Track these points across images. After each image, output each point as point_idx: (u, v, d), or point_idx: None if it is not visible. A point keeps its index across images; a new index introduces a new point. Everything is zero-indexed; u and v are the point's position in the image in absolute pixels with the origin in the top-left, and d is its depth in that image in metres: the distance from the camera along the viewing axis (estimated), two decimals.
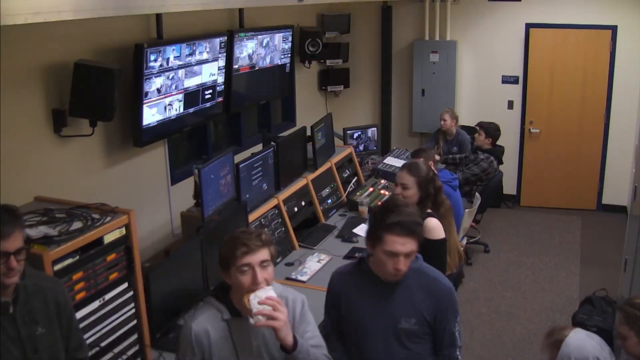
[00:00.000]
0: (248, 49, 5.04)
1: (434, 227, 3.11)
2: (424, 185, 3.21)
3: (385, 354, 2.34)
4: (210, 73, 4.53)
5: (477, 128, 5.97)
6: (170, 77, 4.03)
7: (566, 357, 2.27)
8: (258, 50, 5.20)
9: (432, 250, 2.98)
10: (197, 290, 3.24)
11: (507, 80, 7.11)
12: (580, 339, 2.30)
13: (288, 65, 5.79)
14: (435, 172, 3.30)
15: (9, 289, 1.85)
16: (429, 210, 3.20)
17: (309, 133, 4.66)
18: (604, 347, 2.30)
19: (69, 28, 3.26)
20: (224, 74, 4.73)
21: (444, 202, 3.31)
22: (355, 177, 5.22)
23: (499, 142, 6.03)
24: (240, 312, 2.08)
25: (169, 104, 4.10)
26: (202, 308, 2.15)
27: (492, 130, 5.89)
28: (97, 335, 2.48)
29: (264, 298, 1.97)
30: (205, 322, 2.08)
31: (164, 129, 4.12)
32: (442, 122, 6.23)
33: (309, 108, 6.85)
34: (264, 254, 2.03)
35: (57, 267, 2.25)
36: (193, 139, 5.10)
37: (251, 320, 1.97)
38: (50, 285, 2.03)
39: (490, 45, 7.08)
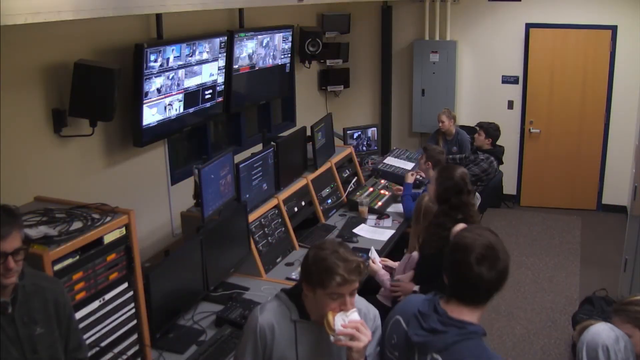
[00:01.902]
0: (248, 49, 5.04)
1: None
2: (445, 187, 3.14)
3: None
4: (210, 73, 4.53)
5: (477, 128, 5.97)
6: (170, 77, 4.03)
7: (581, 343, 2.33)
8: (258, 50, 5.20)
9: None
10: (197, 290, 3.24)
11: (507, 80, 7.11)
12: (600, 328, 2.35)
13: (288, 65, 5.80)
14: (470, 188, 3.20)
15: (8, 289, 1.85)
16: (460, 216, 3.12)
17: (309, 133, 4.66)
18: (620, 342, 2.31)
19: (69, 28, 3.26)
20: (224, 74, 4.73)
21: (475, 219, 3.16)
22: (355, 177, 5.22)
23: (498, 142, 6.02)
24: (309, 315, 2.05)
25: (169, 104, 4.10)
26: (271, 302, 2.12)
27: (492, 131, 5.89)
28: (97, 335, 2.48)
29: (348, 321, 1.94)
30: (273, 318, 2.05)
31: (164, 129, 4.12)
32: (440, 124, 6.23)
33: (309, 108, 6.85)
34: (357, 283, 1.98)
35: (57, 267, 2.25)
36: (193, 139, 5.10)
37: (332, 338, 1.94)
38: (50, 285, 2.03)
39: (490, 45, 7.08)
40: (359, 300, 2.17)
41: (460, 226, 3.00)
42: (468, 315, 1.85)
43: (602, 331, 2.33)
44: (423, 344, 1.83)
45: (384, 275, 3.51)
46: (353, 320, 1.95)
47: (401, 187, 4.94)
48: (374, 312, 2.18)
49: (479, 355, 1.81)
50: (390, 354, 1.98)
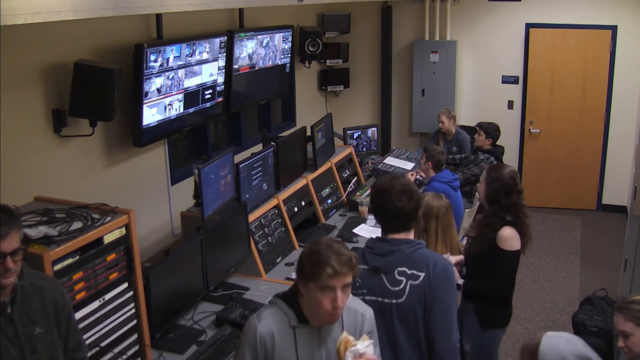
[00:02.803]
0: (248, 49, 5.04)
1: (506, 236, 3.04)
2: (494, 189, 3.11)
3: None
4: (210, 73, 4.53)
5: (477, 128, 5.96)
6: (170, 77, 4.03)
7: None
8: (258, 50, 5.20)
9: (500, 260, 3.02)
10: (197, 290, 3.24)
11: (507, 80, 7.11)
12: (551, 342, 2.26)
13: (288, 65, 5.80)
14: (520, 188, 3.18)
15: (7, 289, 1.85)
16: (509, 219, 3.10)
17: (309, 133, 4.66)
18: (576, 341, 2.29)
19: (69, 28, 3.27)
20: (224, 74, 4.73)
21: (525, 221, 3.15)
22: (355, 177, 5.22)
23: (499, 142, 6.02)
24: (307, 319, 2.04)
25: (169, 104, 4.10)
26: (268, 309, 2.09)
27: (492, 131, 5.88)
28: (97, 335, 2.48)
29: (360, 354, 1.91)
30: (272, 325, 2.02)
31: (164, 129, 4.12)
32: (440, 124, 6.23)
33: (309, 108, 6.86)
34: (349, 278, 1.97)
35: (57, 267, 2.25)
36: (193, 139, 5.10)
37: None
38: (49, 285, 2.02)
39: (490, 45, 7.08)
40: (355, 300, 2.17)
41: (507, 231, 3.04)
42: (404, 236, 2.33)
43: (556, 343, 2.19)
44: (386, 264, 2.29)
45: None
46: (365, 354, 1.92)
47: None
48: (370, 312, 2.18)
49: (434, 255, 2.35)
50: (358, 295, 2.26)
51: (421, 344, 2.32)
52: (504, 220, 3.08)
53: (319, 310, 1.98)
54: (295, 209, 4.28)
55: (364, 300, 2.24)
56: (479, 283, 3.16)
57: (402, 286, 2.28)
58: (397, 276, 2.29)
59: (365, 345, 1.93)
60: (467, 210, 5.10)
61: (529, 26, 6.86)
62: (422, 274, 2.26)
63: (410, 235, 2.36)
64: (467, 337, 3.25)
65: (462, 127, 6.65)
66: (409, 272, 2.27)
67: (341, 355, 1.92)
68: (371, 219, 4.61)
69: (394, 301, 2.29)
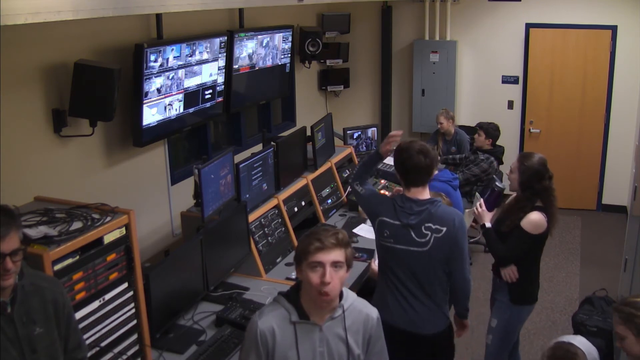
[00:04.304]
0: (248, 49, 5.04)
1: (531, 220, 3.24)
2: (528, 176, 3.27)
3: None
4: (210, 73, 4.53)
5: (477, 128, 5.97)
6: (170, 77, 4.04)
7: None
8: (258, 50, 5.20)
9: (515, 234, 3.24)
10: (197, 290, 3.24)
11: (507, 80, 7.11)
12: (587, 347, 2.33)
13: (288, 65, 5.80)
14: (550, 173, 3.36)
15: (7, 289, 1.84)
16: (539, 204, 3.29)
17: (309, 133, 4.66)
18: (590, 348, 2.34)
19: (69, 28, 3.27)
20: (224, 74, 4.73)
21: (554, 203, 3.36)
22: None
23: (498, 142, 6.02)
24: (308, 315, 2.05)
25: (169, 104, 4.10)
26: (270, 306, 2.12)
27: (491, 131, 5.89)
28: (97, 335, 2.47)
29: None
30: (272, 321, 2.05)
31: (164, 129, 4.12)
32: (439, 125, 6.23)
33: (309, 108, 6.86)
34: (337, 254, 1.99)
35: (57, 267, 2.25)
36: (193, 139, 5.10)
37: None
38: (49, 285, 2.02)
39: (490, 45, 7.08)
40: (359, 301, 2.17)
41: (535, 215, 3.24)
42: (424, 194, 2.87)
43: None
44: (416, 222, 2.81)
45: None
46: None
47: (401, 189, 4.96)
48: (375, 313, 2.18)
49: (453, 211, 2.89)
50: (386, 242, 2.86)
51: (432, 284, 2.87)
52: (534, 205, 3.28)
53: (312, 292, 2.00)
54: (295, 209, 4.28)
55: (391, 247, 2.83)
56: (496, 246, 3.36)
57: (427, 238, 2.81)
58: (423, 230, 2.81)
59: None
60: (466, 210, 5.10)
61: (529, 26, 6.86)
62: (445, 228, 2.79)
63: (427, 191, 2.88)
64: (496, 311, 3.46)
65: (462, 127, 6.66)
66: (433, 227, 2.81)
67: None
68: None
69: (418, 249, 2.82)
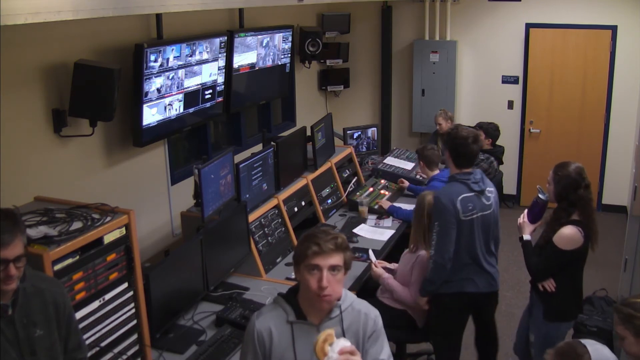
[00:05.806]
0: (251, 54, 5.03)
1: (562, 235, 3.11)
2: (563, 185, 3.15)
3: None
4: (210, 73, 4.53)
5: (477, 128, 5.96)
6: (170, 77, 4.03)
7: None
8: (258, 50, 5.20)
9: (546, 250, 3.18)
10: (197, 290, 3.24)
11: (507, 80, 7.11)
12: (597, 352, 2.32)
13: (288, 65, 5.80)
14: (587, 182, 3.24)
15: (9, 292, 1.84)
16: (575, 218, 3.15)
17: (309, 133, 4.66)
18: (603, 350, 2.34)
19: (69, 28, 3.27)
20: (224, 74, 4.73)
21: (592, 216, 3.20)
22: (355, 177, 5.22)
23: (498, 142, 6.02)
24: (305, 315, 2.06)
25: (169, 104, 4.10)
26: (269, 306, 2.14)
27: (491, 131, 5.89)
28: (97, 335, 2.48)
29: (338, 351, 1.86)
30: (270, 322, 2.06)
31: (164, 129, 4.12)
32: (437, 126, 6.23)
33: (309, 108, 6.86)
34: (336, 259, 1.98)
35: (57, 267, 2.25)
36: (193, 139, 5.10)
37: None
38: (49, 287, 2.02)
39: (490, 45, 7.08)
40: (360, 301, 2.17)
41: (568, 230, 3.11)
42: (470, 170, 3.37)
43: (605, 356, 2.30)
44: (483, 188, 3.32)
45: (389, 278, 3.54)
46: (344, 348, 1.86)
47: (405, 181, 5.15)
48: (375, 313, 2.18)
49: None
50: (471, 215, 3.26)
51: (495, 242, 3.47)
52: (570, 216, 3.15)
53: (310, 294, 2.00)
54: (295, 209, 4.28)
55: (475, 218, 3.27)
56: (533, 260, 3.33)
57: (491, 201, 3.35)
58: (487, 194, 3.33)
59: (341, 342, 1.89)
60: None
61: (529, 26, 6.86)
62: (494, 188, 3.41)
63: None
64: (532, 327, 3.39)
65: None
66: (491, 189, 3.39)
67: (319, 347, 1.88)
68: (371, 219, 4.61)
69: (487, 212, 3.32)
